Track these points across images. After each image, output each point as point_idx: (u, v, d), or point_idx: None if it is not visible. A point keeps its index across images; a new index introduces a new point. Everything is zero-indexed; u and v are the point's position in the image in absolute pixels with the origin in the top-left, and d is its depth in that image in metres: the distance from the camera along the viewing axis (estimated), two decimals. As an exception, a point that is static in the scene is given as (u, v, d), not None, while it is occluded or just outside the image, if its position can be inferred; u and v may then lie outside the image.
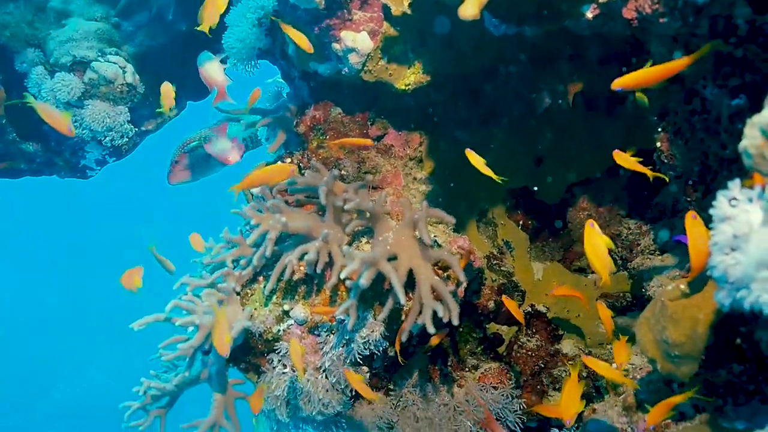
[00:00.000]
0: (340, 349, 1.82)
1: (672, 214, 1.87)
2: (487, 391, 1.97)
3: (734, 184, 0.96)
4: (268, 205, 1.86)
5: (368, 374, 1.90)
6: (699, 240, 1.18)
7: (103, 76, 2.42)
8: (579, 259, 2.13)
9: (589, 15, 1.48)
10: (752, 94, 1.19)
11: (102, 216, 17.54)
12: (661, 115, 1.47)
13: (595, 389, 1.94)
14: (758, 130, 0.92)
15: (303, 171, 2.03)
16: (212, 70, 2.05)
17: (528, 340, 2.06)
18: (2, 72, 2.52)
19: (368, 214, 1.77)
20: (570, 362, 2.02)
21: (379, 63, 1.96)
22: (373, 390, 2.00)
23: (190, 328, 1.85)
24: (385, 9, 1.93)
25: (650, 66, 1.23)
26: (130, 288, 1.88)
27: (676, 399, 1.37)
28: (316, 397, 1.83)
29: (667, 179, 1.52)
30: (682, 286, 1.31)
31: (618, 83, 1.26)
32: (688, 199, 1.44)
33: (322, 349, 1.85)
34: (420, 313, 1.67)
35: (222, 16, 1.97)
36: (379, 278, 1.70)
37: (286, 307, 1.86)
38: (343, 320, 1.78)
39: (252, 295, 1.93)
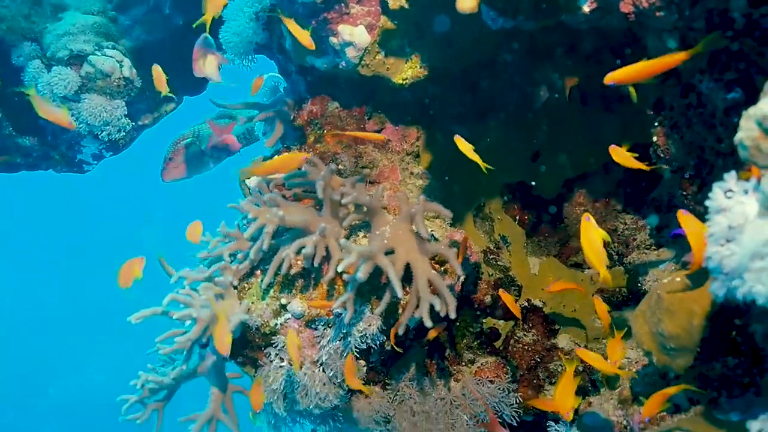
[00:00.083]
0: (338, 342, 1.83)
1: (668, 208, 1.88)
2: (483, 385, 1.98)
3: (730, 176, 0.96)
4: (265, 198, 1.86)
5: (365, 368, 1.91)
6: (698, 234, 1.19)
7: (100, 70, 2.41)
8: (575, 254, 2.14)
9: (586, 9, 1.49)
10: (748, 87, 1.20)
11: (99, 211, 17.51)
12: (657, 110, 1.47)
13: (591, 383, 1.94)
14: (754, 122, 0.93)
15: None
16: (206, 61, 2.04)
17: (524, 335, 2.07)
18: (-1, 66, 2.52)
19: (365, 209, 1.78)
20: (566, 356, 2.02)
21: (377, 57, 1.96)
22: (370, 384, 2.00)
23: (188, 322, 1.85)
24: (383, 3, 1.93)
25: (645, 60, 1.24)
26: (127, 279, 1.88)
27: (671, 390, 1.38)
28: (313, 391, 1.84)
29: (663, 173, 1.53)
30: (678, 279, 1.31)
31: (611, 77, 1.27)
32: (685, 192, 1.45)
33: (319, 342, 1.86)
34: (417, 306, 1.67)
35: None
36: (377, 272, 1.71)
37: (283, 301, 1.87)
38: (341, 314, 1.78)
39: (249, 288, 1.93)
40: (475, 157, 1.69)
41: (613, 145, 1.55)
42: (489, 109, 2.13)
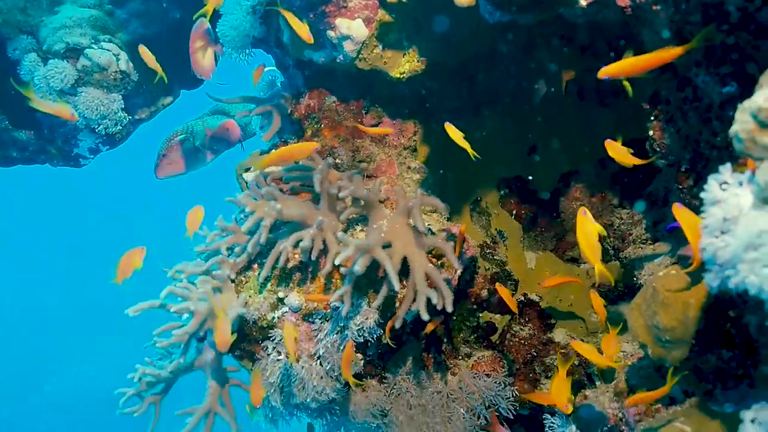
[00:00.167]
0: (335, 336, 1.83)
1: (664, 203, 1.88)
2: (480, 379, 1.99)
3: (725, 168, 0.97)
4: (263, 192, 1.86)
5: (362, 361, 1.91)
6: (695, 227, 1.19)
7: (97, 63, 2.41)
8: (572, 248, 2.15)
9: (583, 3, 1.49)
10: (743, 81, 1.20)
11: (95, 206, 17.45)
12: (653, 103, 1.48)
13: (587, 376, 1.95)
14: (749, 114, 0.93)
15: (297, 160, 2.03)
16: (199, 51, 2.03)
17: (521, 329, 2.08)
18: (-5, 59, 2.51)
19: (363, 202, 1.78)
20: (562, 350, 2.03)
21: (374, 51, 1.96)
22: (367, 377, 2.01)
23: (185, 315, 1.86)
24: (381, -4, 1.93)
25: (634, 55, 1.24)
26: (127, 270, 1.88)
27: (654, 394, 1.41)
28: (310, 384, 1.84)
29: (658, 168, 1.54)
30: (674, 272, 1.32)
31: (605, 72, 1.27)
32: (680, 186, 1.46)
33: (317, 336, 1.86)
34: (414, 300, 1.68)
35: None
36: (374, 266, 1.71)
37: (280, 295, 1.87)
38: (338, 307, 1.79)
39: (247, 282, 1.93)
40: (465, 144, 1.70)
41: (608, 140, 1.56)
42: (486, 103, 2.13)
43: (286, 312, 1.87)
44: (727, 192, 0.96)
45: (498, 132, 2.13)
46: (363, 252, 1.65)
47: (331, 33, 1.93)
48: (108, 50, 2.44)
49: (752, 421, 1.03)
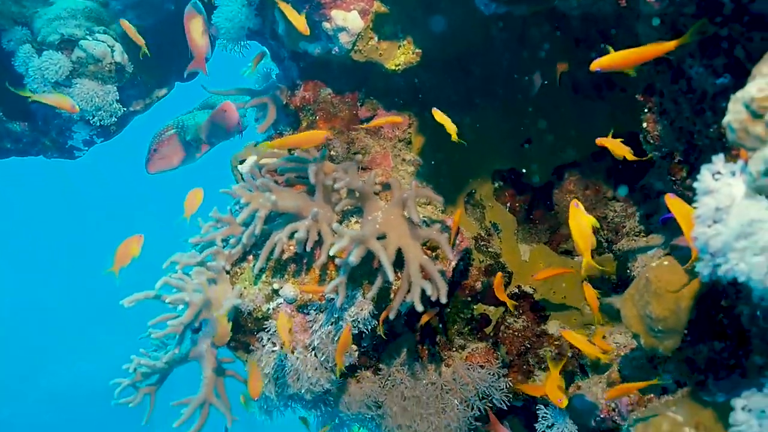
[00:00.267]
0: (329, 327, 1.84)
1: (657, 195, 1.89)
2: (474, 370, 2.00)
3: (718, 158, 0.98)
4: (257, 183, 1.87)
5: (357, 353, 1.92)
6: (688, 217, 1.20)
7: (92, 54, 2.40)
8: (565, 241, 2.16)
9: (578, -6, 1.50)
10: (737, 72, 1.21)
11: (89, 199, 17.36)
12: (647, 95, 1.48)
13: (580, 368, 1.97)
14: (742, 104, 0.94)
15: (292, 151, 2.03)
16: (195, 30, 2.02)
17: (515, 321, 2.09)
18: (-11, 50, 2.50)
19: (358, 194, 1.79)
20: (556, 342, 2.04)
21: (370, 43, 1.96)
22: (361, 369, 2.02)
23: (180, 306, 1.86)
24: (376, -12, 1.93)
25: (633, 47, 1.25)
26: (125, 258, 1.87)
27: (635, 385, 1.43)
28: (305, 375, 1.85)
29: (651, 160, 1.55)
30: (666, 263, 1.33)
31: (597, 64, 1.27)
32: (674, 178, 1.46)
33: (311, 327, 1.87)
34: (409, 291, 1.69)
35: None
36: (368, 257, 1.72)
37: (275, 286, 1.87)
38: (333, 299, 1.79)
39: (241, 273, 1.94)
40: (452, 129, 1.70)
41: (599, 138, 1.58)
42: (481, 95, 2.13)
43: (281, 303, 1.87)
44: (719, 182, 0.96)
45: (493, 124, 2.13)
46: (358, 243, 1.66)
47: (326, 25, 1.93)
48: (103, 42, 2.43)
49: (743, 408, 1.04)
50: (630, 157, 1.52)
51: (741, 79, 1.15)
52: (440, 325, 2.04)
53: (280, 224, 1.87)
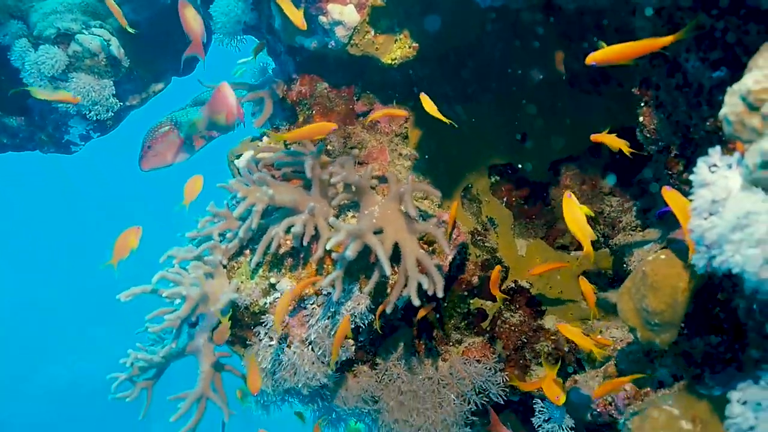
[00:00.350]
0: (326, 321, 1.84)
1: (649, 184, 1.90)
2: (470, 365, 2.00)
3: (714, 151, 0.98)
4: (254, 178, 1.86)
5: (353, 347, 1.92)
6: (685, 209, 1.20)
7: (88, 48, 2.39)
8: (562, 236, 2.16)
9: (575, -12, 1.50)
10: (733, 66, 1.21)
11: (86, 194, 17.31)
12: (644, 89, 1.48)
13: (577, 362, 1.97)
14: (738, 97, 0.94)
15: (289, 146, 2.03)
16: (191, 16, 2.01)
17: (511, 316, 2.09)
18: (-15, 45, 2.49)
19: (354, 188, 1.78)
20: (552, 337, 2.05)
21: (366, 37, 1.95)
22: (358, 363, 2.02)
23: (177, 300, 1.86)
24: (373, -19, 1.92)
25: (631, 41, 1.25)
26: (123, 250, 1.87)
27: (622, 380, 1.44)
28: (301, 370, 1.85)
29: (646, 154, 1.55)
30: (663, 256, 1.33)
31: (593, 58, 1.27)
32: (670, 172, 1.47)
33: (308, 322, 1.87)
34: (405, 285, 1.69)
35: None
36: (365, 251, 1.72)
37: (272, 280, 1.87)
38: (329, 293, 1.79)
39: (238, 268, 1.94)
40: (439, 115, 1.70)
41: (594, 135, 1.58)
42: (477, 89, 2.13)
43: (277, 298, 1.87)
44: (716, 174, 0.97)
45: (489, 118, 2.13)
46: (354, 237, 1.65)
47: (322, 18, 1.92)
48: (99, 36, 2.43)
49: (739, 400, 1.04)
50: (626, 150, 1.53)
51: (737, 72, 1.15)
52: (437, 320, 2.04)
53: (277, 219, 1.87)
